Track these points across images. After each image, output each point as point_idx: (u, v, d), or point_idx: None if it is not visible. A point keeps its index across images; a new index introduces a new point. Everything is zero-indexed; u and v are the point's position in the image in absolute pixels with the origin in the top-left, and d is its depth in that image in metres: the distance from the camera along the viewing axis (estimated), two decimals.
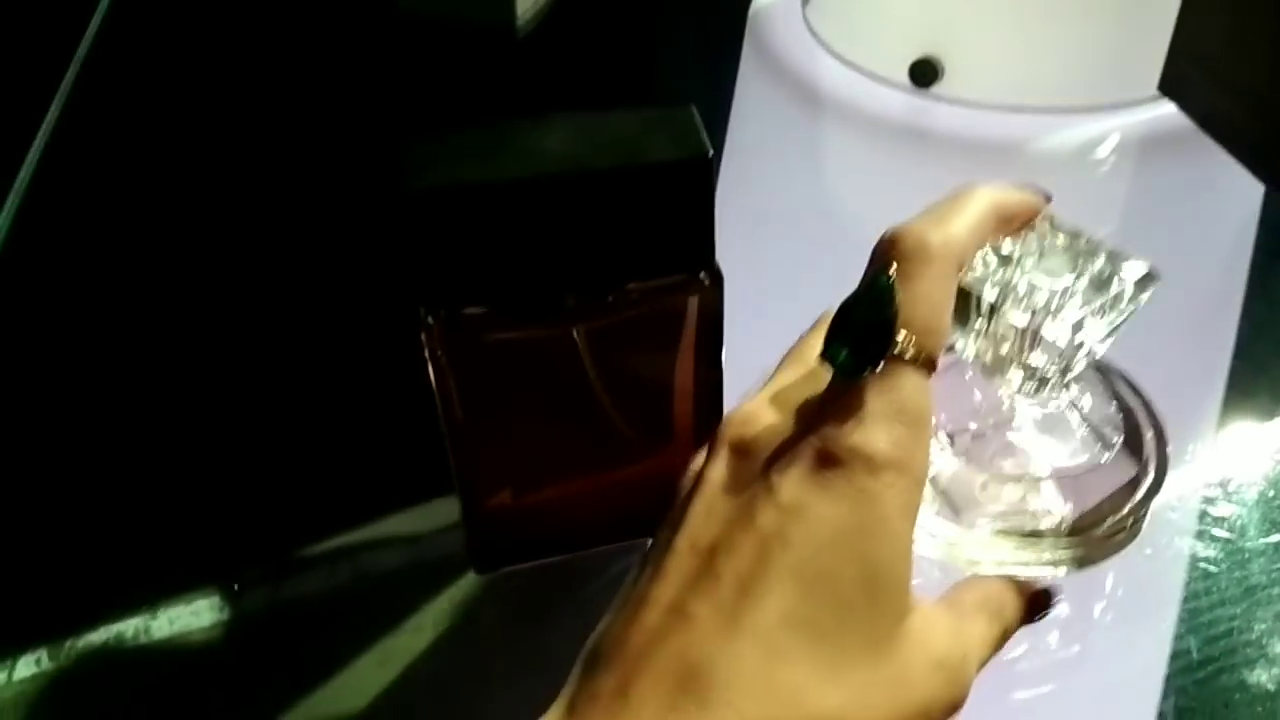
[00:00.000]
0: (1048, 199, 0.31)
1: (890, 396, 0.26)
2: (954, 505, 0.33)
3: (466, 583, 0.36)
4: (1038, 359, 0.31)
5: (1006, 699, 0.34)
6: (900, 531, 0.25)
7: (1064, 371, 0.31)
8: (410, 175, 0.27)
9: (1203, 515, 0.39)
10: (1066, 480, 0.33)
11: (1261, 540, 0.39)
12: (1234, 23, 0.48)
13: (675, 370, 0.32)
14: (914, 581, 0.26)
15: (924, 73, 0.53)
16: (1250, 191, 0.53)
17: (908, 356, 0.26)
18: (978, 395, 0.34)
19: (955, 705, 0.26)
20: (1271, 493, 0.40)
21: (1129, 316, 0.30)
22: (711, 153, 0.28)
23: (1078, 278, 0.30)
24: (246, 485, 0.40)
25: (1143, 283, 0.30)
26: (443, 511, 0.38)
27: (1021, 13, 0.52)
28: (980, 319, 0.30)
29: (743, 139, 0.63)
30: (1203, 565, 0.38)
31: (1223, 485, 0.41)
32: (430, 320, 0.29)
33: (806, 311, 0.31)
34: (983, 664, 0.28)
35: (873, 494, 0.25)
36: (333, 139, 0.60)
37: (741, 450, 0.27)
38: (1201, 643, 0.35)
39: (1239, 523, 0.39)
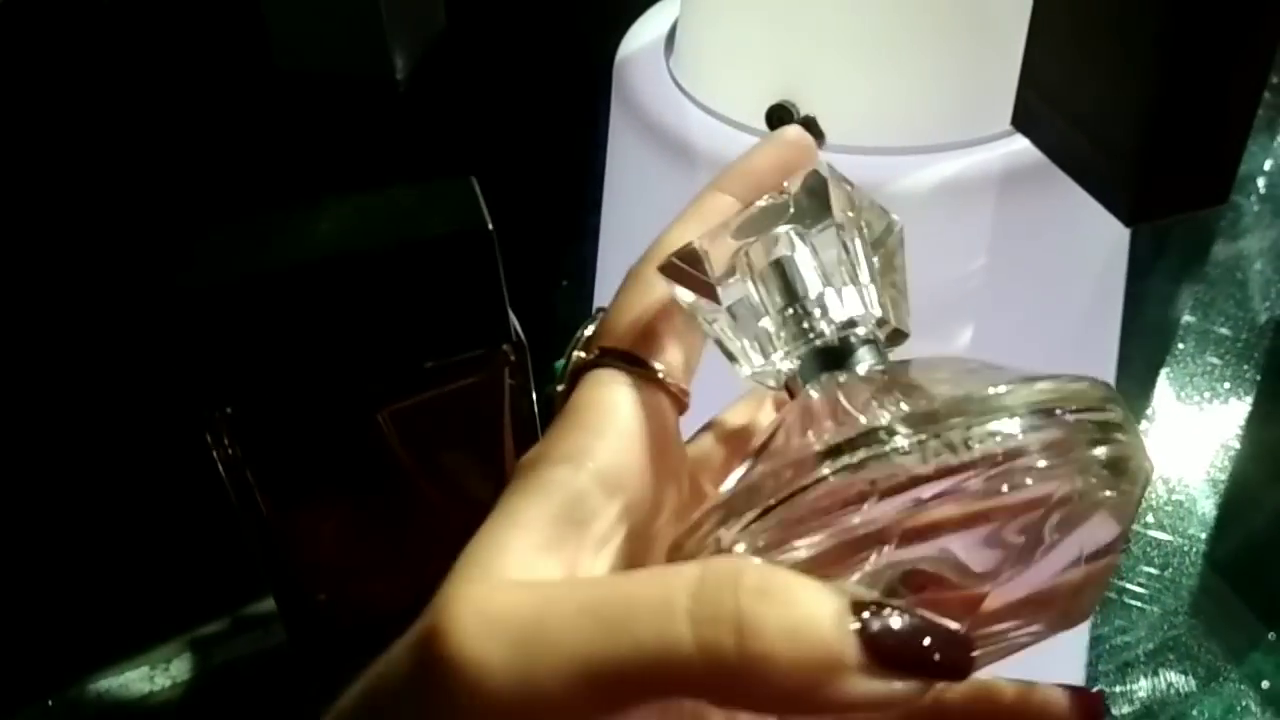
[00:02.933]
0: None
1: (566, 410, 0.25)
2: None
3: None
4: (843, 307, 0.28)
5: None
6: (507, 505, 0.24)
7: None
8: (179, 273, 0.26)
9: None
10: None
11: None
12: (1074, 55, 0.49)
13: (504, 450, 0.31)
14: None
15: (780, 119, 0.53)
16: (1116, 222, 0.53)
17: (589, 358, 0.26)
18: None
19: None
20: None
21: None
22: (490, 225, 0.27)
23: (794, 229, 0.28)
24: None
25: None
26: None
27: (873, 54, 0.53)
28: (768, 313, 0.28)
29: (616, 188, 0.62)
30: None
31: None
32: (216, 417, 0.28)
33: None
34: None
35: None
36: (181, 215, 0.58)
37: None
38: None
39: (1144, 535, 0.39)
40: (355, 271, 0.26)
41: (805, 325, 0.28)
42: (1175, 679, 0.34)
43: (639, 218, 0.60)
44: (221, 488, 0.32)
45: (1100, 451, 0.24)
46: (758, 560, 0.21)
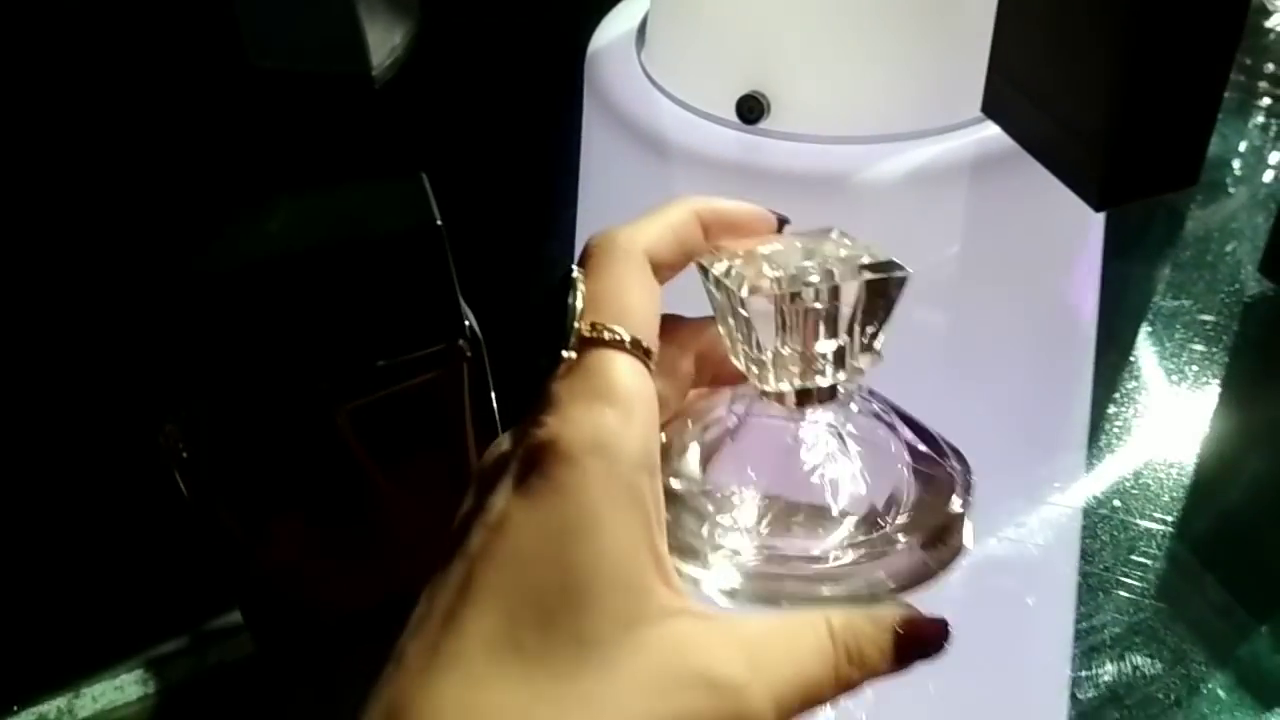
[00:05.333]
0: (781, 221, 0.31)
1: (589, 381, 0.24)
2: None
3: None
4: (824, 351, 0.31)
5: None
6: (610, 523, 0.23)
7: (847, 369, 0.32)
8: (124, 271, 0.26)
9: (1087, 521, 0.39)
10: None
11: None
12: (1043, 41, 0.49)
13: (466, 446, 0.31)
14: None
15: (750, 109, 0.53)
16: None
17: (606, 338, 0.25)
18: (777, 440, 0.33)
19: None
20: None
21: (888, 311, 0.32)
22: (440, 221, 0.27)
23: (826, 276, 0.31)
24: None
25: (886, 276, 0.32)
26: None
27: (841, 43, 0.53)
28: (765, 347, 0.31)
29: (592, 183, 0.62)
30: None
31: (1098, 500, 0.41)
32: (169, 419, 0.28)
33: None
34: (798, 704, 0.25)
35: (571, 487, 0.23)
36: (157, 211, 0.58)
37: (481, 481, 0.26)
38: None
39: (1119, 520, 0.39)
40: (305, 269, 0.26)
41: (812, 366, 0.32)
42: (1142, 662, 0.34)
43: (613, 207, 0.60)
44: (177, 495, 0.32)
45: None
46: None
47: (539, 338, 0.26)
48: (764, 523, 0.31)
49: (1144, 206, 0.52)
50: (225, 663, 0.35)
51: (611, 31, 0.64)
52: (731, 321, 0.31)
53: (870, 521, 0.32)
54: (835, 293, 0.31)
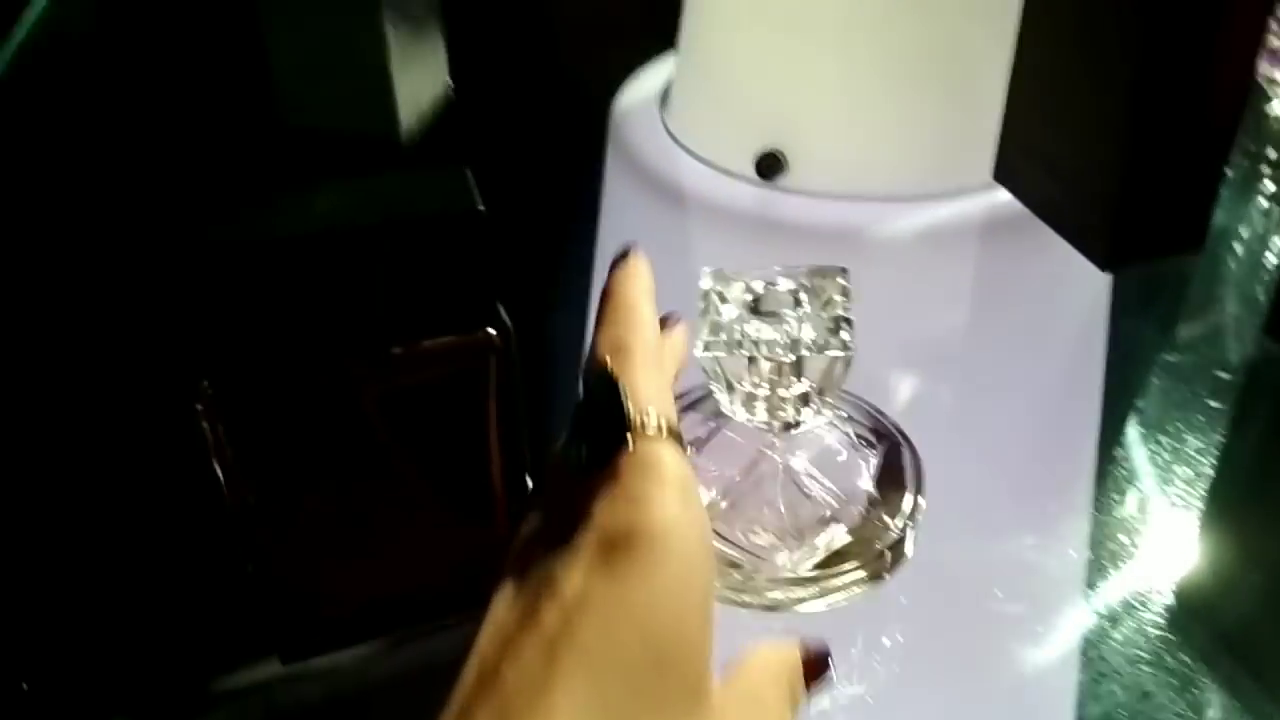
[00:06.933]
0: None
1: (655, 471, 0.26)
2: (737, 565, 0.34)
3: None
4: (799, 387, 0.34)
5: None
6: (689, 602, 0.25)
7: (821, 391, 0.34)
8: (166, 239, 0.27)
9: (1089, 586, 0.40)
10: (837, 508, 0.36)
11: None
12: (1052, 107, 0.51)
13: (487, 441, 0.32)
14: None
15: (769, 165, 0.55)
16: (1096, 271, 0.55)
17: (655, 430, 0.27)
18: (744, 452, 0.36)
19: None
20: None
21: (845, 312, 0.34)
22: (482, 207, 0.28)
23: (799, 310, 0.34)
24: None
25: (833, 281, 0.34)
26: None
27: (859, 103, 0.55)
28: (740, 379, 0.34)
29: (612, 238, 0.64)
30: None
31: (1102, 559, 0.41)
32: (207, 388, 0.28)
33: None
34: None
35: (655, 566, 0.25)
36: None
37: (524, 556, 0.27)
38: None
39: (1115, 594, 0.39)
40: (343, 245, 0.27)
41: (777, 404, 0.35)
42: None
43: None
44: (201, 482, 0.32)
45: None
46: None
47: (573, 427, 0.28)
48: (721, 523, 0.35)
49: (1149, 271, 0.53)
50: None
51: (636, 94, 0.66)
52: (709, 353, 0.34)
53: (824, 532, 0.35)
54: (798, 364, 0.34)
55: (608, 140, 0.64)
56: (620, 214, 0.62)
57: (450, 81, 0.78)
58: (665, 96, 0.64)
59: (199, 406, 0.28)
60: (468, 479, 0.33)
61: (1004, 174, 0.54)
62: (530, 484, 0.34)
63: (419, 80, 0.76)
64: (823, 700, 0.33)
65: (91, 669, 0.35)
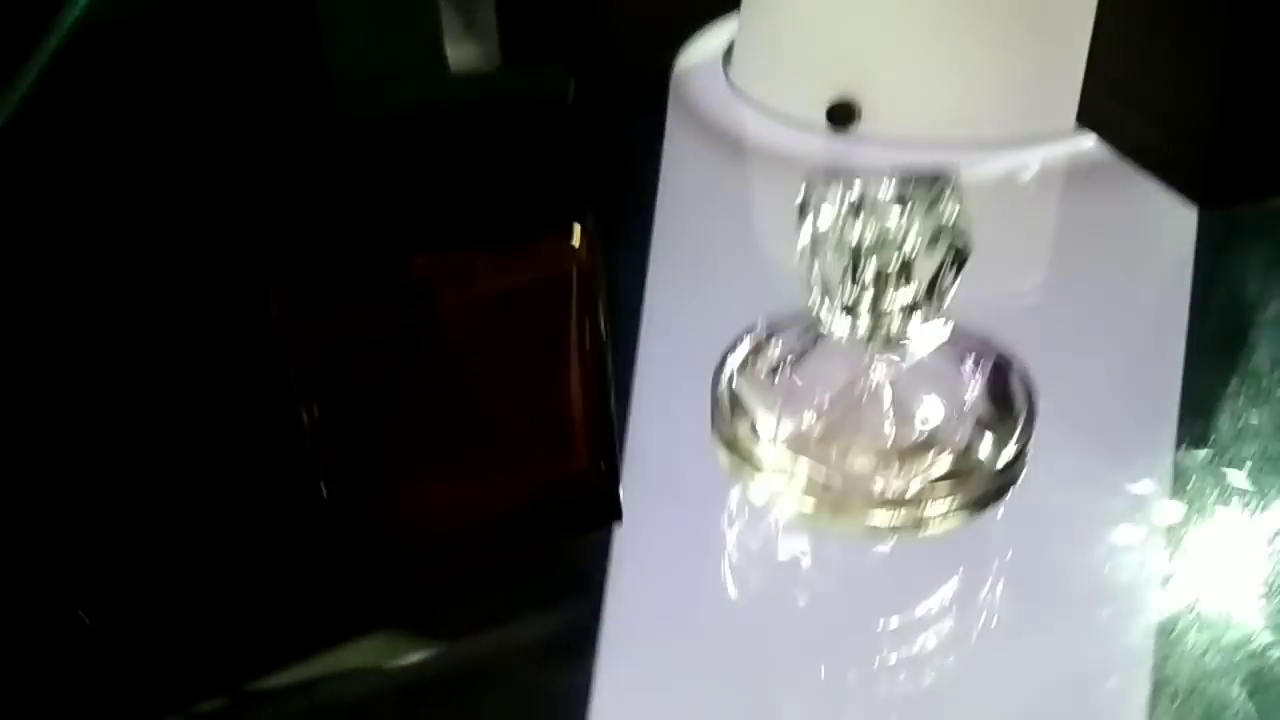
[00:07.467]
0: None
1: None
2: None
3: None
4: (905, 294, 0.32)
5: None
6: None
7: (929, 297, 0.32)
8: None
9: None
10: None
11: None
12: (1141, 48, 0.48)
13: (568, 360, 0.30)
14: None
15: (841, 115, 0.53)
16: (1182, 215, 0.52)
17: None
18: (842, 371, 0.34)
19: None
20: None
21: (955, 215, 0.32)
22: (572, 98, 0.26)
23: (905, 211, 0.32)
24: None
25: (942, 184, 0.32)
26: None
27: (934, 48, 0.53)
28: (841, 289, 0.32)
29: (673, 195, 0.62)
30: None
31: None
32: (278, 296, 0.27)
33: None
34: None
35: None
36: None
37: None
38: None
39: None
40: (420, 130, 0.26)
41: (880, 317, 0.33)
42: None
43: (692, 217, 0.59)
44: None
45: None
46: None
47: None
48: (818, 444, 0.33)
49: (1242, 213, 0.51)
50: None
51: (697, 54, 0.64)
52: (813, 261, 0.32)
53: (925, 456, 0.33)
54: (905, 269, 0.32)
55: (668, 101, 0.62)
56: (680, 170, 0.61)
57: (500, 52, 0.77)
58: (728, 53, 0.62)
59: (273, 303, 0.27)
60: (548, 401, 0.31)
61: (1089, 116, 0.51)
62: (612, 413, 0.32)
63: (471, 49, 0.74)
64: None
65: (151, 610, 0.34)
